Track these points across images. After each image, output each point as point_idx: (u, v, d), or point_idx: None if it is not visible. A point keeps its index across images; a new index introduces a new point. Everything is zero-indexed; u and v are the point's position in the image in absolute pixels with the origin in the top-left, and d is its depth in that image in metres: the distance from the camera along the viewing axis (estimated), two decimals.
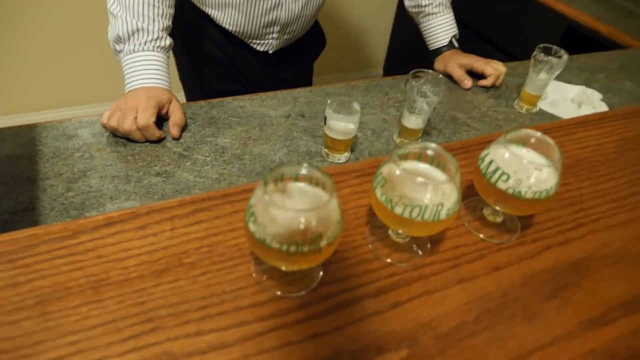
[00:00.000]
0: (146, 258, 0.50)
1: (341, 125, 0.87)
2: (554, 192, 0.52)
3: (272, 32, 1.19)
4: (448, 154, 0.49)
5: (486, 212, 0.60)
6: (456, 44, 1.29)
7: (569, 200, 0.64)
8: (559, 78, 1.28)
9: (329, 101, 0.87)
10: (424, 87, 0.91)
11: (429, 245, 0.56)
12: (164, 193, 0.81)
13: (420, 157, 0.52)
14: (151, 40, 0.94)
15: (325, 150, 0.93)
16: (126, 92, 0.94)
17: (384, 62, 2.98)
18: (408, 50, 2.71)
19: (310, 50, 1.41)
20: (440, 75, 0.93)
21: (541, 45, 1.09)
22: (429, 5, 1.27)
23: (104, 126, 0.89)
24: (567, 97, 1.21)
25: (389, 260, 0.53)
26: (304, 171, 0.46)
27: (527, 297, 0.51)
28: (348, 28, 2.71)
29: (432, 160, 0.52)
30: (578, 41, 1.69)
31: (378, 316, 0.48)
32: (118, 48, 0.96)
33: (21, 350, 0.42)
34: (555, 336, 0.48)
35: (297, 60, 1.36)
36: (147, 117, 0.87)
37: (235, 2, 1.10)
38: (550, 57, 1.07)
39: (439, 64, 1.27)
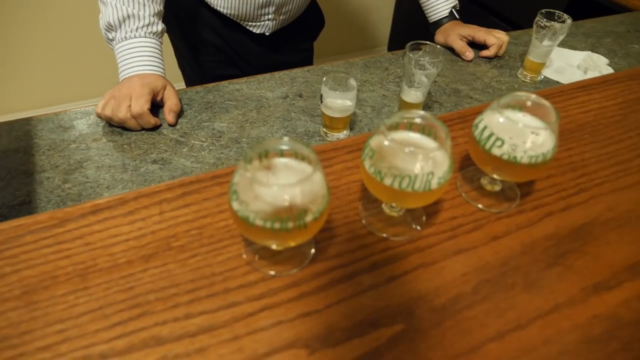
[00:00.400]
0: (134, 243, 0.49)
1: (338, 102, 0.85)
2: (552, 155, 0.49)
3: (267, 13, 1.17)
4: (437, 121, 0.47)
5: (484, 181, 0.58)
6: (457, 15, 1.25)
7: (570, 166, 0.62)
8: (564, 45, 1.24)
9: (324, 78, 0.85)
10: (422, 59, 0.89)
11: (424, 218, 0.54)
12: (161, 180, 0.80)
13: (410, 126, 0.50)
14: (143, 26, 0.93)
15: (324, 129, 0.91)
16: (120, 80, 0.92)
17: (387, 41, 2.93)
18: (412, 28, 2.66)
19: (309, 30, 1.38)
20: (438, 47, 0.90)
21: (543, 11, 1.05)
22: None
23: (99, 116, 0.88)
24: (573, 64, 1.17)
25: (383, 234, 0.52)
26: (285, 146, 0.44)
27: (527, 266, 0.49)
28: (349, 7, 2.66)
29: (423, 129, 0.50)
30: (585, 7, 1.63)
31: (372, 291, 0.47)
32: (110, 36, 0.94)
33: (8, 340, 0.41)
34: (557, 303, 0.46)
35: (296, 41, 1.33)
36: (141, 105, 0.86)
37: None
38: (553, 23, 1.03)
39: (439, 36, 1.23)
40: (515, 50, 1.22)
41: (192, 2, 1.17)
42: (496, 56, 1.18)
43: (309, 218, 0.41)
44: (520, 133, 0.49)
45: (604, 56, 1.20)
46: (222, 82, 1.03)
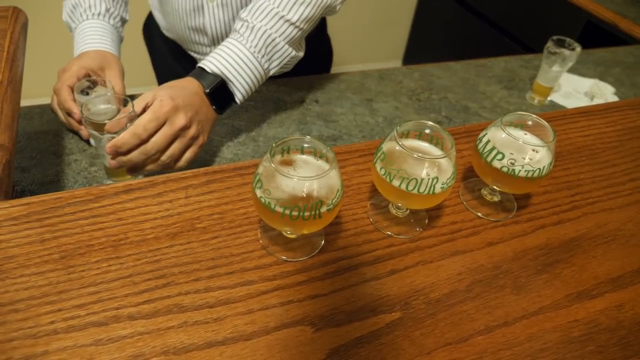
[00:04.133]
0: (162, 222, 0.54)
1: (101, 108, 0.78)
2: (547, 172, 0.54)
3: (203, 43, 1.02)
4: (445, 132, 0.52)
5: (484, 191, 0.63)
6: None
7: (566, 184, 0.66)
8: (573, 71, 1.28)
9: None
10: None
11: (426, 221, 0.59)
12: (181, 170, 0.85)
13: (420, 135, 0.55)
14: (85, 11, 0.90)
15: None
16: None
17: (402, 55, 2.99)
18: (428, 44, 2.72)
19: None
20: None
21: (554, 38, 1.10)
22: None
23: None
24: (580, 90, 1.22)
25: (388, 232, 0.57)
26: (307, 144, 0.49)
27: (517, 271, 0.54)
28: (368, 19, 2.73)
29: (432, 139, 0.55)
30: (598, 36, 1.68)
31: (374, 282, 0.51)
32: (69, 25, 0.94)
33: (47, 297, 0.46)
34: (542, 306, 0.51)
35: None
36: (62, 81, 0.80)
37: None
38: (562, 50, 1.08)
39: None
40: (525, 73, 1.26)
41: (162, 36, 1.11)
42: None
43: (323, 209, 0.46)
44: (520, 149, 0.54)
45: (611, 85, 1.24)
46: None
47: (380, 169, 0.51)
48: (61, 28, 2.24)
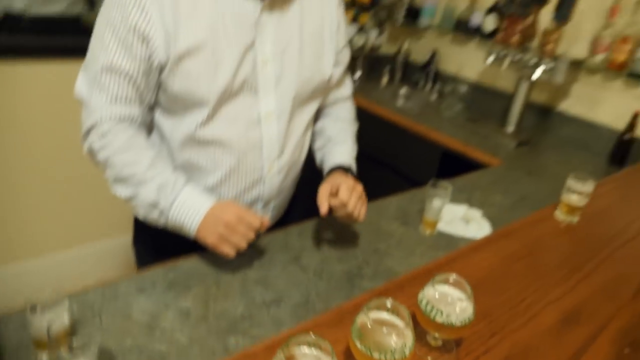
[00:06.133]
0: None
1: None
2: (474, 317, 0.72)
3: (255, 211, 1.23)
4: (401, 305, 0.68)
5: (428, 338, 0.79)
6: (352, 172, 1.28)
7: (482, 315, 0.85)
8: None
9: None
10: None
11: None
12: None
13: (383, 308, 0.70)
14: (173, 185, 1.02)
15: None
16: (197, 229, 1.02)
17: None
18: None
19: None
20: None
21: (432, 181, 1.37)
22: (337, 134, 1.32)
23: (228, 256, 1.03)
24: (457, 216, 1.49)
25: None
26: (309, 338, 0.61)
27: None
28: None
29: (393, 310, 0.69)
30: (455, 162, 2.05)
31: None
32: (155, 214, 1.04)
33: None
34: None
35: None
36: (255, 217, 1.01)
37: (220, 177, 1.14)
38: (438, 190, 1.35)
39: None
40: (414, 208, 1.49)
41: None
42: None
43: None
44: (452, 303, 0.72)
45: (477, 207, 1.54)
46: (179, 261, 1.12)
47: (360, 345, 0.65)
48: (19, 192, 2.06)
